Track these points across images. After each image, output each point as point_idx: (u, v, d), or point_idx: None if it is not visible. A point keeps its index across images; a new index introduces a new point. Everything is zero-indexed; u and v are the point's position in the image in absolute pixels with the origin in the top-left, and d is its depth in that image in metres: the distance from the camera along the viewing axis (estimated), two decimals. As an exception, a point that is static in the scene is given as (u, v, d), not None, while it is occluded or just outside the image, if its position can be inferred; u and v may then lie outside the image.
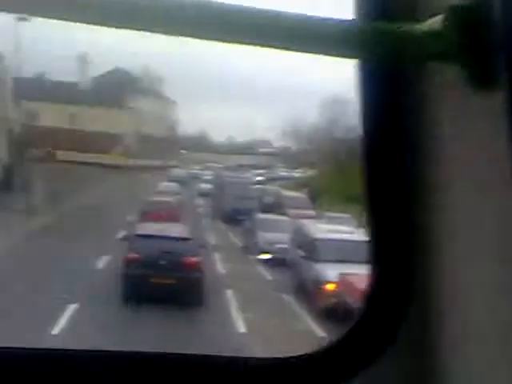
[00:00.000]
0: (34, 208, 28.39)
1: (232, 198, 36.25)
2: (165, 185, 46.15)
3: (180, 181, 54.14)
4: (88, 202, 39.28)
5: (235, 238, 33.21)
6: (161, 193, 39.23)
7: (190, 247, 19.24)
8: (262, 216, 32.37)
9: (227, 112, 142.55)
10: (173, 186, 46.04)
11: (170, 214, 27.41)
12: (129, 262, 18.34)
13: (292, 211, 35.22)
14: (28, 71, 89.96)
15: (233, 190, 37.29)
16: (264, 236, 29.02)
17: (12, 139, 56.04)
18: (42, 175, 47.92)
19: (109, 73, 77.29)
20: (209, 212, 41.19)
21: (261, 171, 73.67)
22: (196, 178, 61.66)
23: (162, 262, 17.97)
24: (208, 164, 71.62)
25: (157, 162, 74.41)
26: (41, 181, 41.87)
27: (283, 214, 35.08)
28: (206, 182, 53.74)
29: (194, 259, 18.75)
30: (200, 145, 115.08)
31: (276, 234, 28.94)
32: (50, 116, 68.35)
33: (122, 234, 24.58)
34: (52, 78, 76.07)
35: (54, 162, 60.28)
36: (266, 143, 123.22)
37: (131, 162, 64.80)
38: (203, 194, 49.67)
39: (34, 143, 64.89)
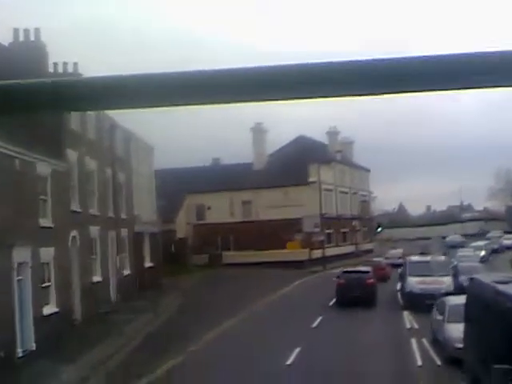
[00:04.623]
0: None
1: None
2: (391, 252, 57.20)
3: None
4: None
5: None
6: (388, 258, 53.12)
7: (369, 275, 34.43)
8: None
9: (423, 181, 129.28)
10: (398, 252, 56.15)
11: (375, 266, 41.51)
12: (339, 285, 33.30)
13: None
14: (200, 158, 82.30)
15: None
16: None
17: (169, 246, 47.24)
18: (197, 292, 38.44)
19: (289, 144, 67.00)
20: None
21: (480, 243, 58.90)
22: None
23: (355, 283, 32.55)
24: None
25: (350, 248, 62.68)
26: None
27: None
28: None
29: (371, 281, 33.67)
30: (397, 219, 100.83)
31: None
32: (220, 208, 58.93)
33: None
34: (225, 161, 67.85)
35: (219, 267, 50.63)
36: (469, 208, 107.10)
37: (315, 253, 53.09)
38: None
39: (196, 247, 55.86)
